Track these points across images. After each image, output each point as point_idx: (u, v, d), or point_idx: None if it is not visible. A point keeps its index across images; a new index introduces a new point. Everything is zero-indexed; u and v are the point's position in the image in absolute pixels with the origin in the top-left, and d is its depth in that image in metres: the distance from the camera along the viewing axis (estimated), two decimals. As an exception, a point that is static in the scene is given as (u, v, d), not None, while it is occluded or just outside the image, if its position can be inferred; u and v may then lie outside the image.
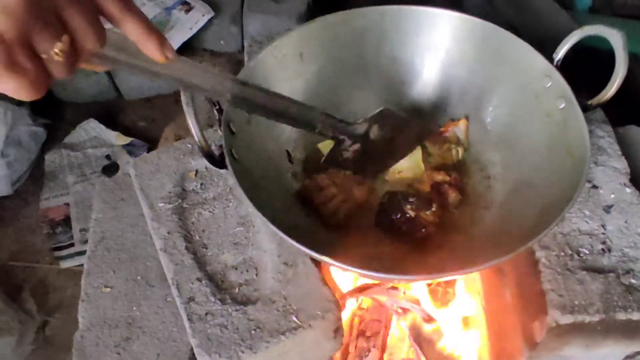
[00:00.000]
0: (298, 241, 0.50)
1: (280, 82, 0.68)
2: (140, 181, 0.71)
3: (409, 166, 0.69)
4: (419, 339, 0.86)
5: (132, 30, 0.39)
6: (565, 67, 0.64)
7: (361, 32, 0.73)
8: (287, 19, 1.37)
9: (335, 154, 0.66)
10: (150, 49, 0.40)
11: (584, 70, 0.73)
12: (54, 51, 0.34)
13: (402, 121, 0.68)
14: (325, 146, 0.71)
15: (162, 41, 0.41)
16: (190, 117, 0.53)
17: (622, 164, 0.68)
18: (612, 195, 0.65)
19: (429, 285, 0.84)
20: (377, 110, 0.66)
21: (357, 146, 0.65)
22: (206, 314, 0.57)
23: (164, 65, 0.43)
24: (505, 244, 0.52)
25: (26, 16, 0.32)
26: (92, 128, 1.57)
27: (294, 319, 0.56)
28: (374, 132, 0.65)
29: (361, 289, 0.81)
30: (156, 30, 0.40)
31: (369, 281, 0.85)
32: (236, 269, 0.62)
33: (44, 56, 0.34)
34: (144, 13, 0.40)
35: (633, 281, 0.58)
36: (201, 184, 0.70)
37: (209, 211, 0.67)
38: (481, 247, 0.58)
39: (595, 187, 0.66)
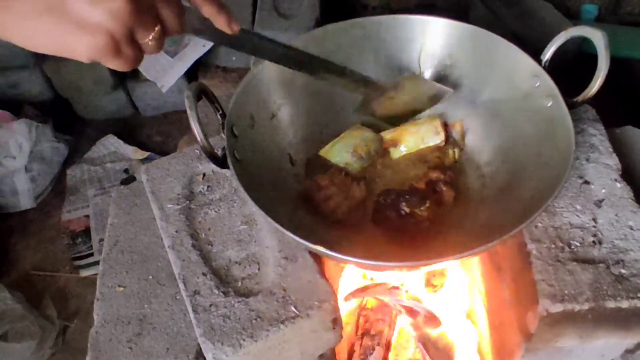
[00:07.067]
0: (294, 233, 0.54)
1: (281, 89, 0.73)
2: (152, 185, 0.75)
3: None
4: (424, 340, 0.87)
5: (207, 10, 0.50)
6: (576, 71, 0.66)
7: (359, 41, 0.77)
8: (295, 34, 1.42)
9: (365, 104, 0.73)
10: (220, 23, 0.51)
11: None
12: (148, 39, 0.44)
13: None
14: (326, 152, 0.74)
15: (230, 18, 0.51)
16: (193, 119, 0.57)
17: (613, 161, 0.70)
18: (603, 190, 0.67)
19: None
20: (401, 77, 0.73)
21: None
22: (210, 305, 0.60)
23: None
24: (496, 235, 0.54)
25: (130, 18, 0.41)
26: (110, 143, 1.63)
27: (293, 308, 0.59)
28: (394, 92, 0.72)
29: (364, 289, 0.84)
30: (226, 10, 0.51)
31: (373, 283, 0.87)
32: (239, 264, 0.65)
33: (140, 42, 0.44)
34: None
35: (623, 271, 0.60)
36: (208, 186, 0.74)
37: (215, 211, 0.71)
38: (473, 239, 0.60)
39: (587, 182, 0.68)
